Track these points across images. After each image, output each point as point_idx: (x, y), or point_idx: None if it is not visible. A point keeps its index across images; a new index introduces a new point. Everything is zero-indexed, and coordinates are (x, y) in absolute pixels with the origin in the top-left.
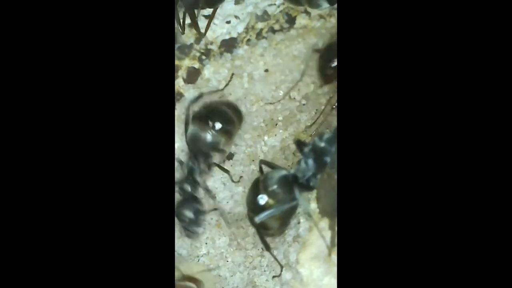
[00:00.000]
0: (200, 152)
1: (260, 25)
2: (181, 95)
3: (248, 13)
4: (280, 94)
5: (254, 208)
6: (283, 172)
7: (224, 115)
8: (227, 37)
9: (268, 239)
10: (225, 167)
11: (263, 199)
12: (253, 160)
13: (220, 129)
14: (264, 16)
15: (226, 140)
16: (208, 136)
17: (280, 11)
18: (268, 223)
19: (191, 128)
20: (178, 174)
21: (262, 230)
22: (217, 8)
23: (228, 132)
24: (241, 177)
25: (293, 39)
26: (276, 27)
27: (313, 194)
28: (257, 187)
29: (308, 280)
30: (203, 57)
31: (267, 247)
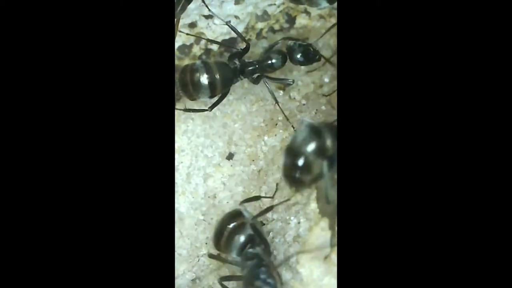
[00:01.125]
0: (258, 266)
1: (260, 25)
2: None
3: (248, 13)
4: (280, 94)
5: (293, 167)
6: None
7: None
8: (227, 37)
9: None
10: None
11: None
12: (253, 160)
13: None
14: (264, 16)
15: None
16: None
17: (280, 11)
18: (315, 162)
19: (245, 268)
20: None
21: (305, 173)
22: (180, 18)
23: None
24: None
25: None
26: (276, 27)
27: (313, 194)
28: (291, 150)
29: (308, 280)
30: (203, 56)
31: None
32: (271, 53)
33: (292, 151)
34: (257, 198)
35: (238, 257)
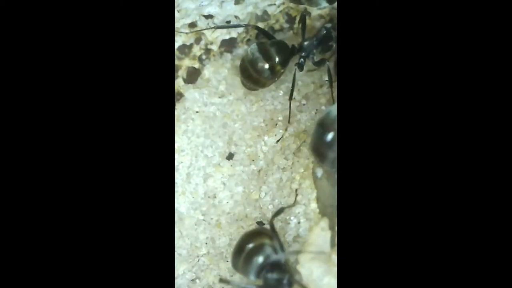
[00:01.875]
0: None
1: (260, 25)
2: (181, 95)
3: (248, 13)
4: (280, 94)
5: (321, 146)
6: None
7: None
8: (227, 37)
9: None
10: None
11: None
12: (253, 160)
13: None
14: (264, 16)
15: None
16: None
17: (280, 11)
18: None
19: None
20: None
21: (331, 149)
22: None
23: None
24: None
25: (293, 39)
26: (276, 27)
27: (313, 194)
28: (322, 126)
29: (308, 280)
30: (203, 56)
31: None
32: (322, 35)
33: (323, 126)
34: (281, 210)
35: (256, 279)
